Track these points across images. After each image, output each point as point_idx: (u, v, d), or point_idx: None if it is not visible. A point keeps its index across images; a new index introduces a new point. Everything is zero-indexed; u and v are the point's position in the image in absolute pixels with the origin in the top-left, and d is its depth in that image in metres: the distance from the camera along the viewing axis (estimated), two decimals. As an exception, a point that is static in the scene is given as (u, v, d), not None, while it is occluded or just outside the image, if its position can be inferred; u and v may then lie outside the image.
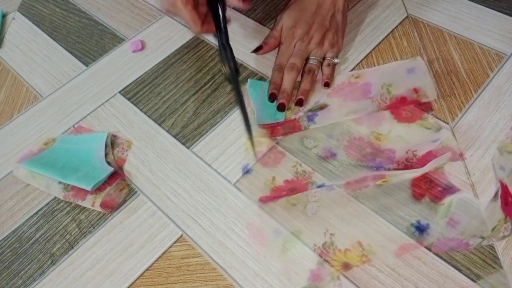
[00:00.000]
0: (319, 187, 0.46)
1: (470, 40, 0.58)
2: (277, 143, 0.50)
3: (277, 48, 0.58)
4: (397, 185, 0.46)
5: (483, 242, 0.41)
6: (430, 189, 0.45)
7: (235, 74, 0.49)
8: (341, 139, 0.50)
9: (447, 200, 0.44)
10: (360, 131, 0.50)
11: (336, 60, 0.56)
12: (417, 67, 0.54)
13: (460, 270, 0.41)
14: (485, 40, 0.58)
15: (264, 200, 0.46)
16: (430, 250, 0.42)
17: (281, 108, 0.52)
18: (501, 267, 0.41)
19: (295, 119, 0.52)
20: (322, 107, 0.52)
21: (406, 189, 0.46)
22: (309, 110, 0.52)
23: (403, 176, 0.46)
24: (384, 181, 0.46)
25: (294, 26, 0.56)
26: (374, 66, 0.57)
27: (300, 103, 0.52)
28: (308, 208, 0.45)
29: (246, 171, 0.49)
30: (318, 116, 0.52)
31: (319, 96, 0.54)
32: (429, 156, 0.47)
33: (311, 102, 0.53)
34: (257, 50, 0.58)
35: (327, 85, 0.54)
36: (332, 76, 0.55)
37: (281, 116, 0.52)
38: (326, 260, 0.42)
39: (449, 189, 0.45)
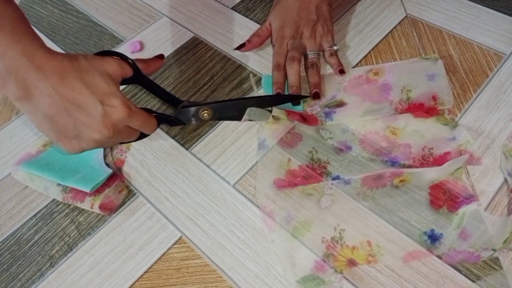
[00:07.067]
0: (334, 178, 0.47)
1: (469, 40, 0.58)
2: (294, 125, 0.51)
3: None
4: (415, 190, 0.45)
5: (495, 254, 0.41)
6: (449, 200, 0.45)
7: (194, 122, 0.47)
8: (356, 132, 0.50)
9: (461, 210, 0.44)
10: (375, 125, 0.50)
11: (335, 48, 0.56)
12: (437, 74, 0.53)
13: (459, 271, 0.41)
14: (484, 39, 0.58)
15: (279, 186, 0.46)
16: (440, 258, 0.41)
17: (296, 102, 0.52)
18: (501, 268, 0.40)
19: (312, 114, 0.52)
20: (340, 104, 0.52)
21: (423, 197, 0.45)
22: (326, 106, 0.52)
23: (420, 176, 0.46)
24: (401, 181, 0.46)
25: (282, 27, 0.57)
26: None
27: (317, 96, 0.52)
28: (322, 201, 0.45)
29: (262, 146, 0.49)
30: (336, 114, 0.52)
31: (335, 89, 0.54)
32: (446, 157, 0.47)
33: (327, 96, 0.53)
34: (239, 47, 0.58)
35: (342, 72, 0.54)
36: (340, 62, 0.55)
37: (299, 108, 0.52)
38: (332, 254, 0.42)
39: (466, 199, 0.45)
